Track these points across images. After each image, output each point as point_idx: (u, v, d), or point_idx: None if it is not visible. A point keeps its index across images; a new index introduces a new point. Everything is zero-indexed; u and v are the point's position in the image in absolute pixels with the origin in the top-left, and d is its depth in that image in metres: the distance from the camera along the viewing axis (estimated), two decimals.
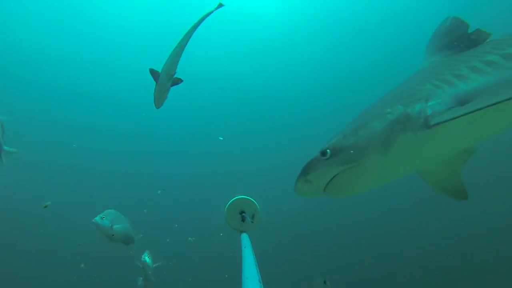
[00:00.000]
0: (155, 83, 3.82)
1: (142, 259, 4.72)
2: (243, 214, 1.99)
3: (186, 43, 3.80)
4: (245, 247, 1.52)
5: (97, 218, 3.50)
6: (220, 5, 3.86)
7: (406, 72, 2.62)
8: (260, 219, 2.03)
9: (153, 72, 3.79)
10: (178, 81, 3.94)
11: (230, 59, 16.32)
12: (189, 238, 8.99)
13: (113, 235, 3.52)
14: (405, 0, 13.26)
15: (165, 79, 3.76)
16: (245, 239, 1.72)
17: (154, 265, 4.84)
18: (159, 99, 3.89)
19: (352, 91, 14.33)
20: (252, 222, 1.96)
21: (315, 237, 10.49)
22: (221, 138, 14.44)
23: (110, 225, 3.51)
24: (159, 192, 11.33)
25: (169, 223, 10.92)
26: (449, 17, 2.45)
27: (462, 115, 1.64)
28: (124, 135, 15.11)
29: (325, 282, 4.47)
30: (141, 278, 5.01)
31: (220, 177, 12.79)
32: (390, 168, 1.97)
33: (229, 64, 16.39)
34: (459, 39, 2.34)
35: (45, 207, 4.17)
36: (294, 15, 14.71)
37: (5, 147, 3.78)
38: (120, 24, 14.71)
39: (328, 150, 1.92)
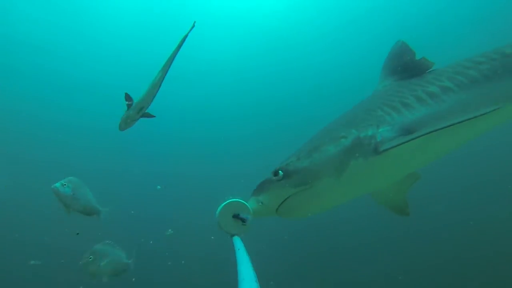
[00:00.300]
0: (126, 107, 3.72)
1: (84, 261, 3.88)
2: (237, 217, 1.99)
3: (164, 76, 3.65)
4: (238, 249, 1.51)
5: (58, 185, 3.18)
6: (194, 24, 3.75)
7: None
8: (252, 221, 2.03)
9: (127, 98, 3.70)
10: (148, 116, 3.86)
11: (228, 61, 16.33)
12: (169, 230, 8.90)
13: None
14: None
15: (136, 111, 3.67)
16: (237, 241, 1.72)
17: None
18: (125, 125, 3.81)
19: (350, 91, 14.36)
20: (244, 225, 1.96)
21: (310, 237, 10.45)
22: (221, 140, 14.45)
23: (71, 193, 3.21)
24: (158, 187, 11.29)
25: (163, 224, 10.87)
26: (399, 41, 2.67)
27: (407, 142, 1.85)
28: (118, 133, 15.09)
29: None
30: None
31: (218, 179, 12.80)
32: (342, 191, 2.08)
33: (227, 66, 16.41)
34: (407, 65, 2.56)
35: None
36: (294, 15, 14.73)
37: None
38: (118, 23, 14.71)
39: (280, 172, 2.00)
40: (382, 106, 2.18)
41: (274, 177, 2.02)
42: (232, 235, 1.90)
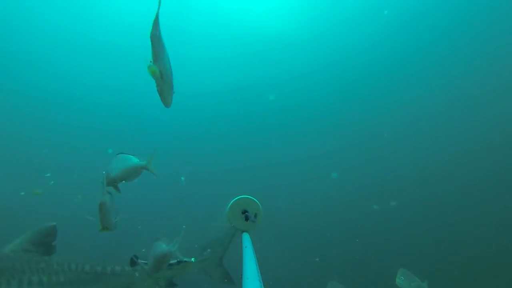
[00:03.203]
0: None
1: None
2: (246, 213, 1.98)
3: None
4: (245, 247, 1.51)
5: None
6: None
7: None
8: (261, 219, 2.04)
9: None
10: None
11: (227, 59, 16.20)
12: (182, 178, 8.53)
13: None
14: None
15: None
16: (246, 238, 1.72)
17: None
18: None
19: (349, 90, 14.33)
20: (254, 221, 1.96)
21: (316, 236, 10.35)
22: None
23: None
24: (182, 179, 11.15)
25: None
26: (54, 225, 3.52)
27: None
28: (120, 134, 15.05)
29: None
30: None
31: (219, 176, 12.76)
32: None
33: (226, 64, 16.29)
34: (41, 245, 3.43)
35: None
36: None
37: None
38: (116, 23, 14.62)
39: None
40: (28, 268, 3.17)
41: None
42: (242, 231, 1.90)
